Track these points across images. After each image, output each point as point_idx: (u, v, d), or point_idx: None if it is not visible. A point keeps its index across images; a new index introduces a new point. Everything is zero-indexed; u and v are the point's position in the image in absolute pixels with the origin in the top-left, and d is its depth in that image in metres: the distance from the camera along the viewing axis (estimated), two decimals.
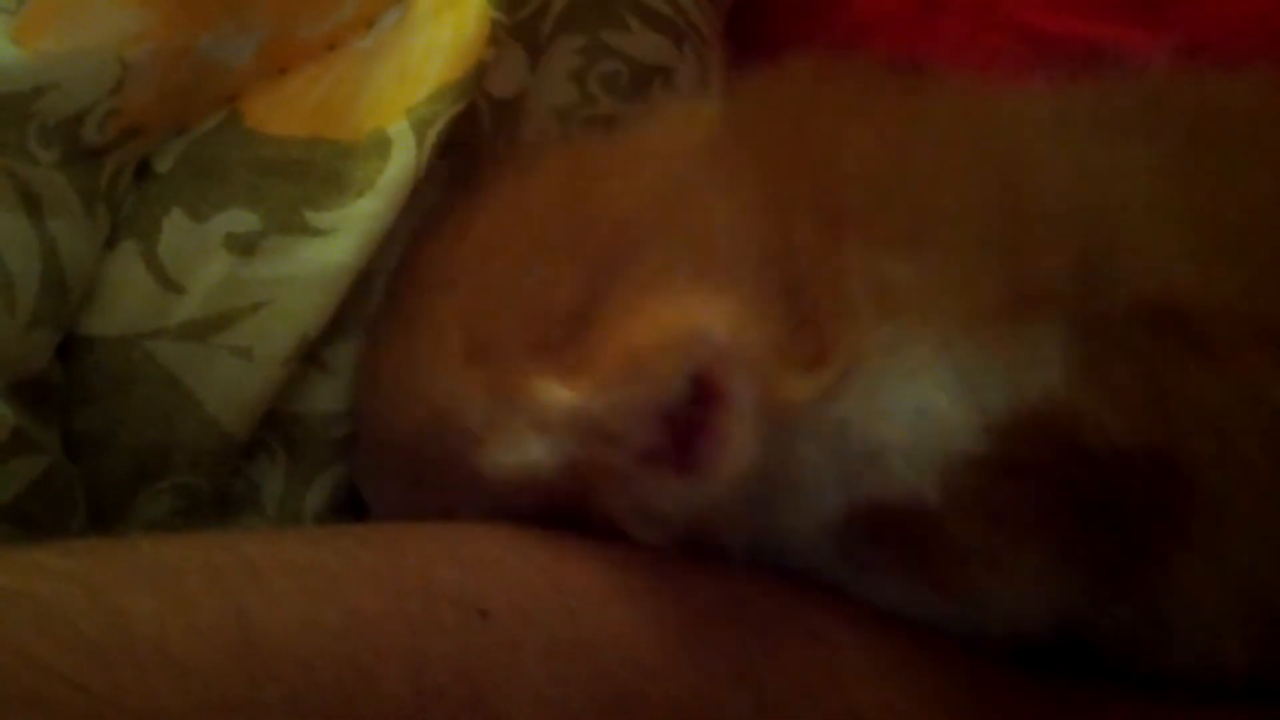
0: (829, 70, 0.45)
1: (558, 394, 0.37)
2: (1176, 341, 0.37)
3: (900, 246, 0.38)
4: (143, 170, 0.44)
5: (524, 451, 0.38)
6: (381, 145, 0.44)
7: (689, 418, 0.36)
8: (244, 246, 0.43)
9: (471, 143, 0.47)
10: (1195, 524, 0.37)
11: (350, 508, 0.46)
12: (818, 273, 0.38)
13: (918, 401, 0.38)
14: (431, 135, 0.44)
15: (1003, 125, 0.42)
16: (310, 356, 0.45)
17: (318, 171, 0.44)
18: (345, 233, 0.44)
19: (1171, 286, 0.37)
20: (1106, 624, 0.39)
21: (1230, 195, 0.39)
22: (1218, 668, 0.38)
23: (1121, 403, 0.36)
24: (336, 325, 0.45)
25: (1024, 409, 0.37)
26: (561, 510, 0.38)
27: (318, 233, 0.44)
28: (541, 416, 0.38)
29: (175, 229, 0.43)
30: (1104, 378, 0.37)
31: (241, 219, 0.43)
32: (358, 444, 0.46)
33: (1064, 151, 0.40)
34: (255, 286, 0.43)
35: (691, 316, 0.36)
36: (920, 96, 0.44)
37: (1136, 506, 0.37)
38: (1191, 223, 0.38)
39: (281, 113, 0.45)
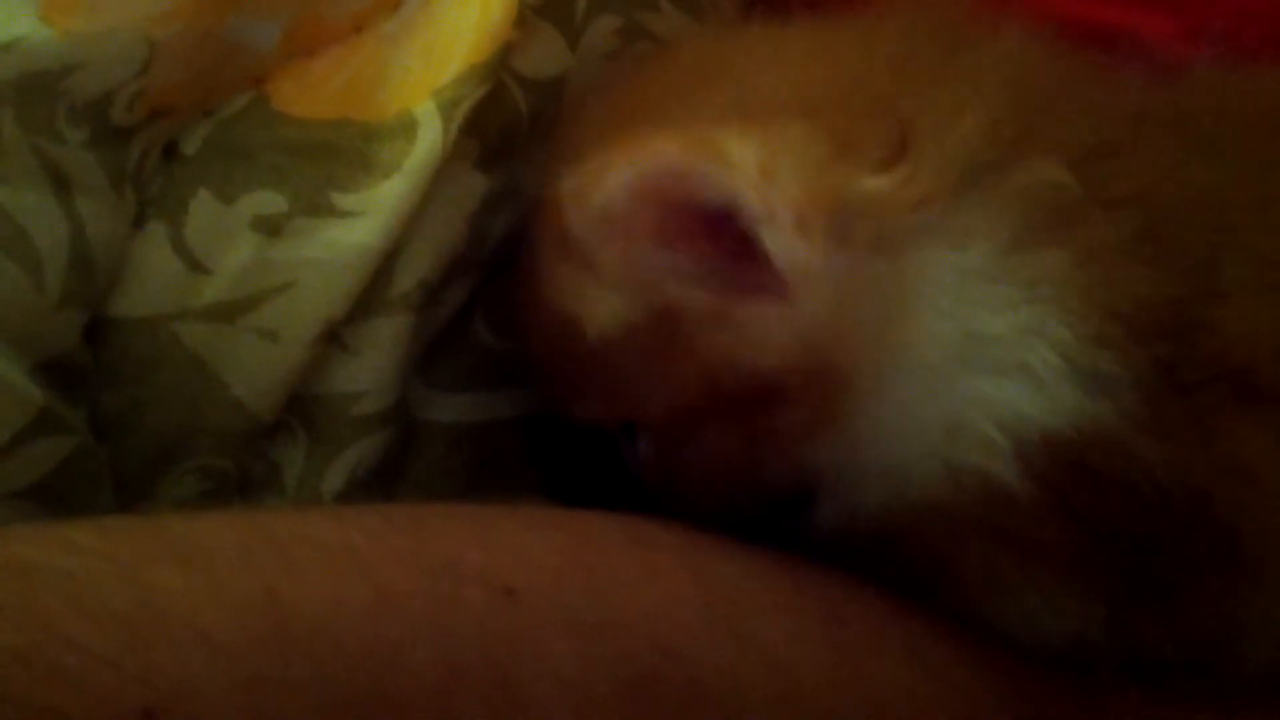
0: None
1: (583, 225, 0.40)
2: (1234, 394, 0.37)
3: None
4: (170, 152, 0.44)
5: (603, 307, 0.41)
6: (408, 127, 0.44)
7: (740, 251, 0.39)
8: (270, 228, 0.43)
9: (507, 125, 0.47)
10: (1245, 567, 0.37)
11: (369, 487, 0.47)
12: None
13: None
14: (458, 116, 0.44)
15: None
16: (332, 337, 0.45)
17: (344, 153, 0.44)
18: (371, 214, 0.44)
19: (1253, 355, 0.37)
20: (1119, 651, 0.39)
21: None
22: None
23: (1171, 443, 0.36)
24: (359, 306, 0.45)
25: (1072, 431, 0.37)
26: (688, 366, 0.41)
27: (344, 214, 0.44)
28: (601, 272, 0.41)
29: (202, 210, 0.43)
30: (1162, 420, 0.37)
31: (268, 200, 0.44)
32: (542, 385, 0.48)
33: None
34: (281, 268, 0.43)
35: (650, 147, 0.38)
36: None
37: (1167, 543, 0.37)
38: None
39: (308, 95, 0.45)
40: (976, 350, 0.38)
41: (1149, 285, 0.37)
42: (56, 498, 0.40)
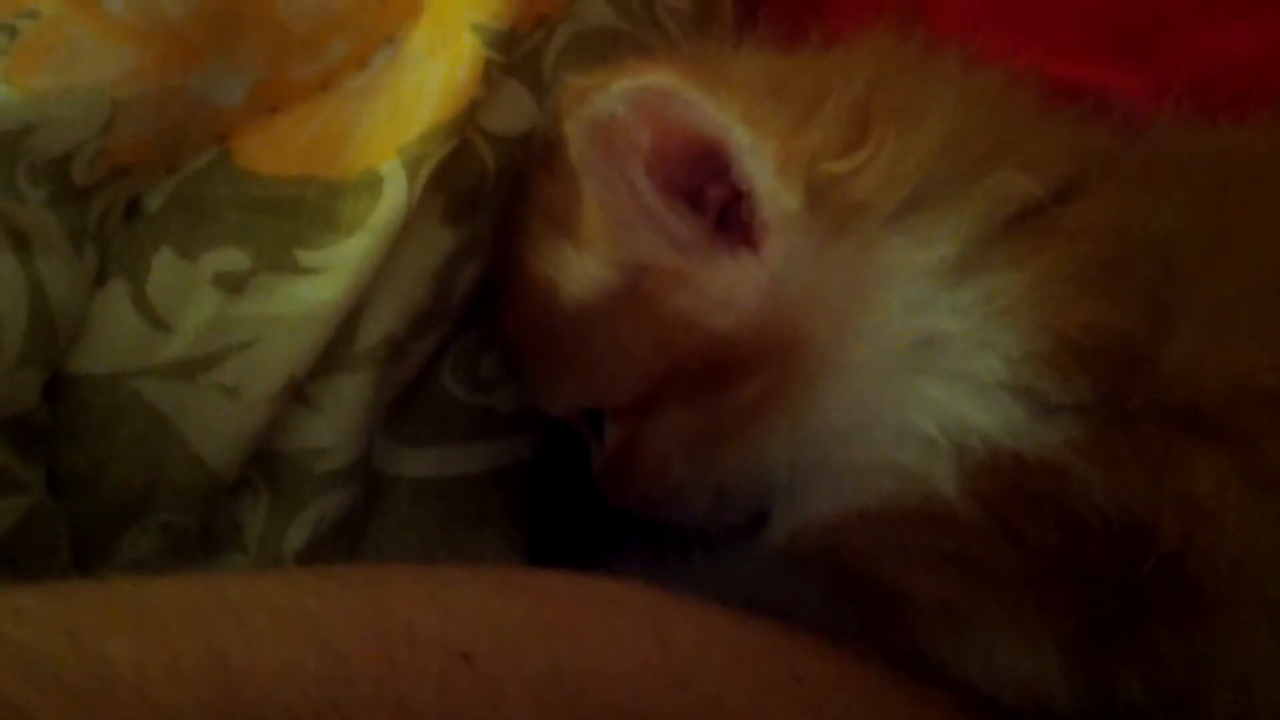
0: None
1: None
2: (1181, 427, 0.37)
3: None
4: (132, 209, 0.44)
5: (579, 271, 0.43)
6: (373, 184, 0.44)
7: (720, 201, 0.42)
8: (233, 285, 0.43)
9: (473, 181, 0.47)
10: (1202, 605, 0.37)
11: (332, 543, 0.46)
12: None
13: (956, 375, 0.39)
14: (423, 174, 0.44)
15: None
16: (295, 393, 0.45)
17: (308, 210, 0.44)
18: (335, 271, 0.44)
19: (1200, 390, 0.37)
20: (1076, 695, 0.38)
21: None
22: None
23: (1114, 472, 0.37)
24: (322, 362, 0.44)
25: (1013, 446, 0.37)
26: (654, 330, 0.42)
27: (307, 271, 0.44)
28: (581, 231, 0.43)
29: (165, 268, 0.43)
30: (1104, 446, 0.37)
31: (231, 258, 0.43)
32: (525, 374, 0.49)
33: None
34: (243, 325, 0.43)
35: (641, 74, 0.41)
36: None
37: (1113, 576, 0.37)
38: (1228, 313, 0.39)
39: (273, 152, 0.45)
40: (929, 351, 0.39)
41: (1102, 314, 0.38)
42: (12, 558, 0.40)
